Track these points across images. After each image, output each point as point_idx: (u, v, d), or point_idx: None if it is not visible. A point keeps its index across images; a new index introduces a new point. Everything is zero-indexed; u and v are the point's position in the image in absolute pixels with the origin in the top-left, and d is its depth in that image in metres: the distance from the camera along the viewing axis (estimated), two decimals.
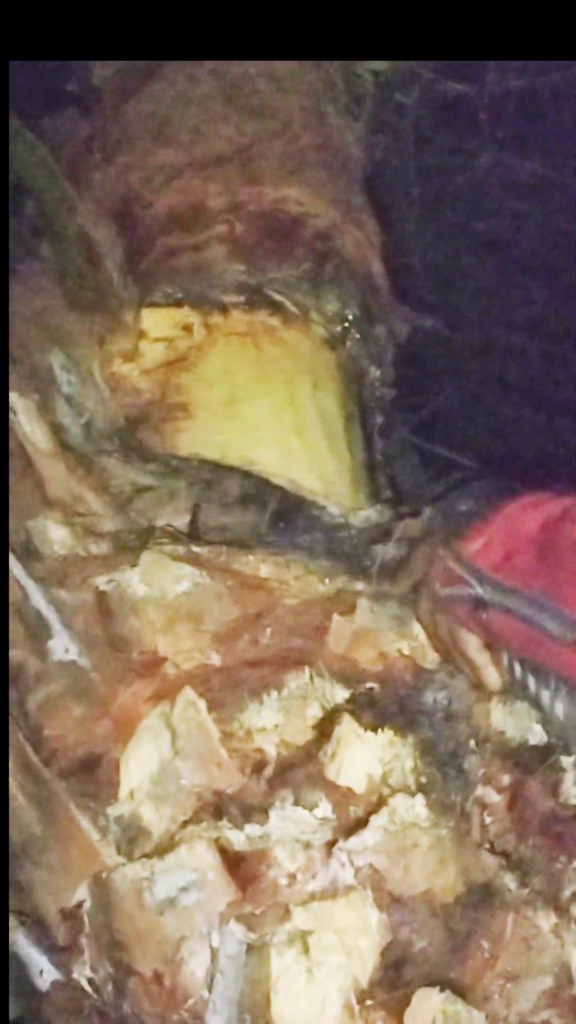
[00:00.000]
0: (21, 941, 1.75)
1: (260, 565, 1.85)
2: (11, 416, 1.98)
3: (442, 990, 1.52)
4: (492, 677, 1.74)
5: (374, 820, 1.61)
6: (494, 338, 3.66)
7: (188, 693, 1.71)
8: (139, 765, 1.73)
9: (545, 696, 1.75)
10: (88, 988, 1.68)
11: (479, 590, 1.62)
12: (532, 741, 1.80)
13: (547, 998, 1.59)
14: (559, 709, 1.77)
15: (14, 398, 1.98)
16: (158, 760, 1.71)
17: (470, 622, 1.68)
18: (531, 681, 1.73)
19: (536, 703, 1.78)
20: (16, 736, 1.78)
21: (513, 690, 1.77)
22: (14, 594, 1.85)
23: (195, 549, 1.86)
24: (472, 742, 1.76)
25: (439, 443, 2.91)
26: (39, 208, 2.27)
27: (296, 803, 1.65)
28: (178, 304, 2.25)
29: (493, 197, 3.47)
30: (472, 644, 1.73)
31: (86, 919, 1.68)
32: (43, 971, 1.72)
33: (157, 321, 2.24)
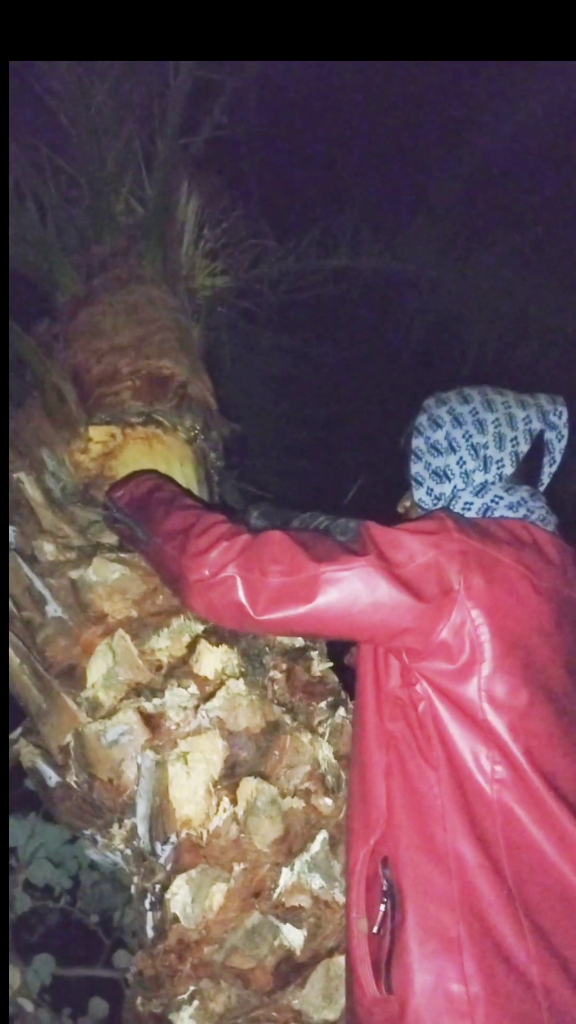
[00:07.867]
0: (39, 763, 1.73)
1: None
2: (20, 485, 1.89)
3: (256, 778, 1.59)
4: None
5: (219, 693, 1.66)
6: (276, 435, 3.70)
7: (120, 632, 1.72)
8: (96, 670, 1.72)
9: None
10: (75, 786, 1.68)
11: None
12: (296, 645, 1.82)
13: (307, 776, 1.65)
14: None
15: (24, 476, 1.90)
16: (106, 667, 1.71)
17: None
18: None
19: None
20: (30, 659, 1.74)
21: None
22: (25, 582, 1.79)
23: (121, 555, 1.83)
24: (267, 648, 1.78)
25: (250, 486, 2.96)
26: (31, 372, 2.18)
27: (179, 686, 1.67)
28: (107, 423, 2.16)
29: (272, 359, 3.45)
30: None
31: (72, 751, 1.68)
32: (50, 778, 1.71)
33: (97, 432, 2.14)
